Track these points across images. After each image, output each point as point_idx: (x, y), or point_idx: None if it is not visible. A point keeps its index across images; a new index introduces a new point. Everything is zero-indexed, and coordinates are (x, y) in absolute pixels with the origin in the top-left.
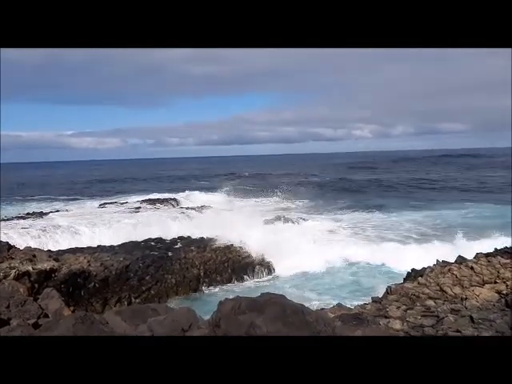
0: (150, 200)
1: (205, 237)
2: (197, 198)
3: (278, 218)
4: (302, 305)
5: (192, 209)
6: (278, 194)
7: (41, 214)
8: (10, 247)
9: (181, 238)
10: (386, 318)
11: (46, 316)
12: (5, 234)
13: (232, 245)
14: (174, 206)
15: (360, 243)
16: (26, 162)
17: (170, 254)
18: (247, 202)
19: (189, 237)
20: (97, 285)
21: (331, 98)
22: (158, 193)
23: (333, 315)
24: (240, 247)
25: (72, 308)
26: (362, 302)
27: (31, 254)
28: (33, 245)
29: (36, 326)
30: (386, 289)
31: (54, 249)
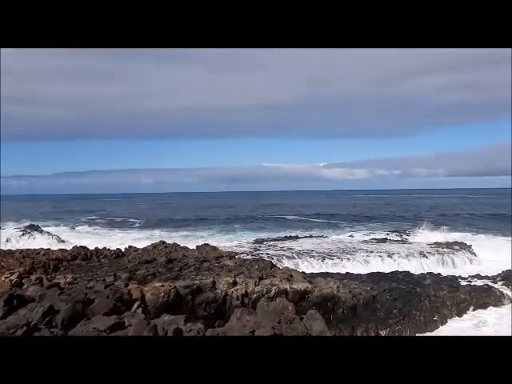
0: (397, 231)
1: (457, 275)
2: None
3: None
4: None
5: (443, 245)
6: None
7: (295, 238)
8: (272, 266)
9: (430, 274)
10: None
11: None
12: (267, 254)
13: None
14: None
15: None
16: (286, 190)
17: (418, 289)
18: None
19: (439, 274)
20: (345, 311)
21: None
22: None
23: None
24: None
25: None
26: None
27: (289, 274)
28: (288, 266)
29: None
30: None
31: (306, 271)
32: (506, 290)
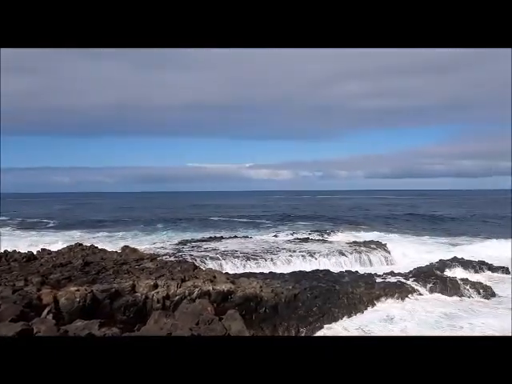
0: (318, 231)
1: (373, 273)
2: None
3: None
4: None
5: (360, 244)
6: None
7: (220, 238)
8: (195, 267)
9: (348, 271)
10: None
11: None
12: (190, 255)
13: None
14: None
15: None
16: (212, 191)
17: (337, 287)
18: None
19: (356, 271)
20: (267, 310)
21: None
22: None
23: None
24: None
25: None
26: None
27: (212, 275)
28: (212, 267)
29: None
30: None
31: (230, 272)
32: (416, 286)
